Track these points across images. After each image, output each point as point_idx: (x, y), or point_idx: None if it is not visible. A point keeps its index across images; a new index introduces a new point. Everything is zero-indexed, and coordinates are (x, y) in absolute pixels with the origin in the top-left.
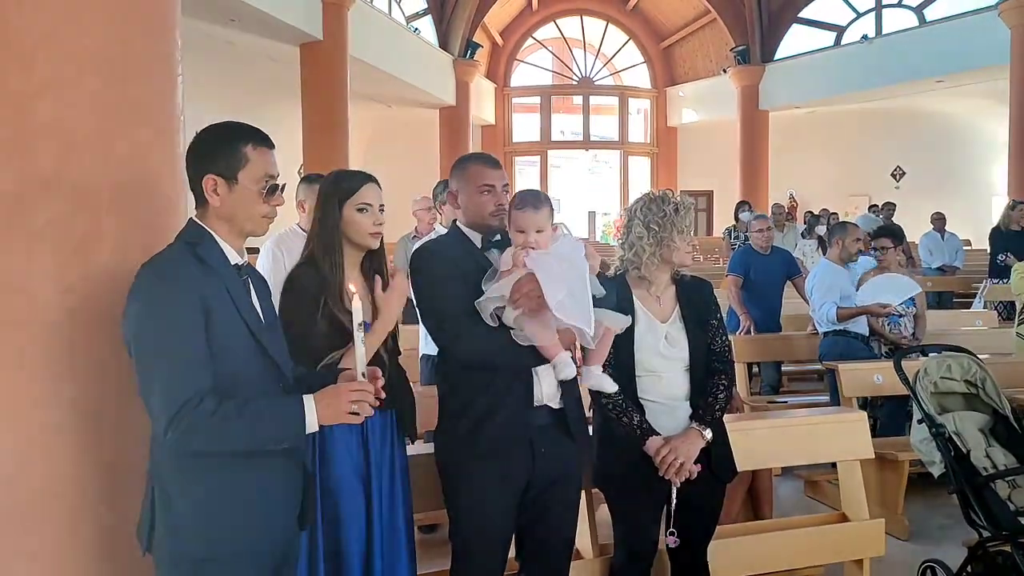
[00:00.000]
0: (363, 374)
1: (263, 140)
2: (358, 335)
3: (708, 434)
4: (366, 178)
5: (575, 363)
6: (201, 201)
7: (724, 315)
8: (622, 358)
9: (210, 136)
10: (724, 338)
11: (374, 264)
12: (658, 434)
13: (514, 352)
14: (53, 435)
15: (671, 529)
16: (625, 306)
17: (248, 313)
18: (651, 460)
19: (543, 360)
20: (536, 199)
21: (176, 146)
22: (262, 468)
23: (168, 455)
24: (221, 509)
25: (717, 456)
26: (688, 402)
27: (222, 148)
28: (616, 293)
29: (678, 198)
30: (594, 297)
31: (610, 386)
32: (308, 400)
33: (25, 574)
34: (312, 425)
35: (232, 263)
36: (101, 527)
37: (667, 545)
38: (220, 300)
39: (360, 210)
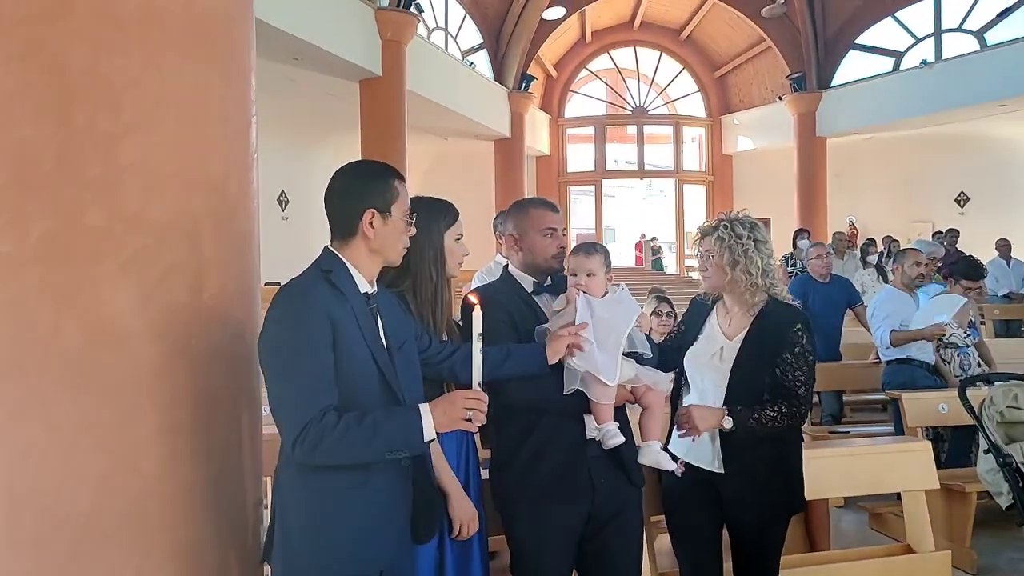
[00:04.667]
0: (479, 383)
1: (402, 176)
2: (477, 345)
3: (728, 423)
4: (455, 208)
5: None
6: (344, 233)
7: None
8: (677, 364)
9: (364, 173)
10: (798, 374)
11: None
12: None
13: (560, 398)
14: (135, 457)
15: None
16: (699, 321)
17: (373, 341)
18: (705, 485)
19: (586, 406)
20: (590, 246)
21: (250, 182)
22: (375, 490)
23: (290, 471)
24: (335, 532)
25: (763, 483)
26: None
27: (378, 184)
28: (699, 315)
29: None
30: (641, 356)
31: (668, 464)
32: (424, 408)
33: None
34: (429, 432)
35: (362, 292)
36: (181, 546)
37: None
38: (348, 325)
39: (457, 240)
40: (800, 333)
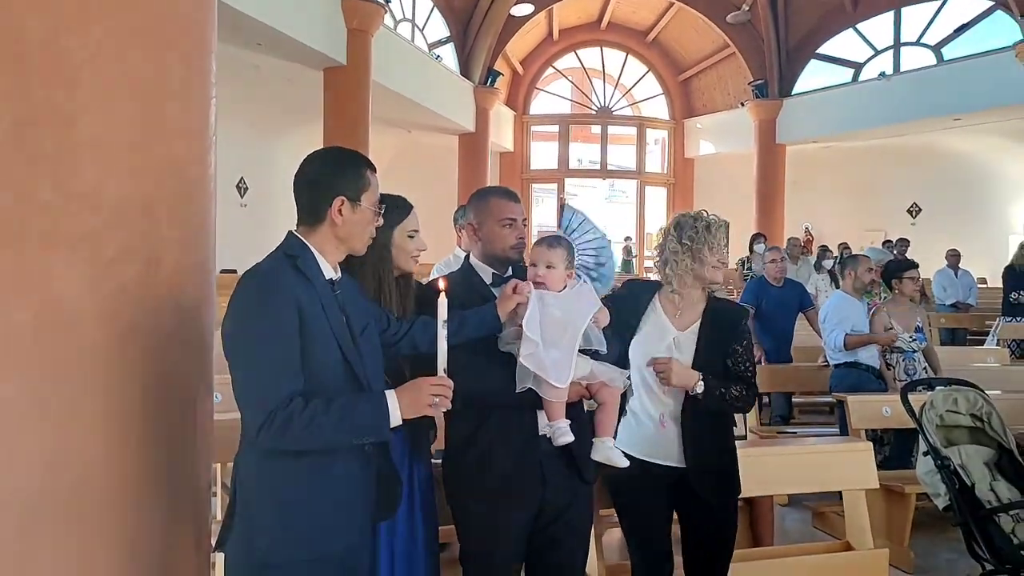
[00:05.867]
0: (444, 370)
1: (374, 167)
2: (441, 332)
3: (700, 387)
4: (409, 204)
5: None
6: (312, 219)
7: None
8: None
9: (336, 160)
10: (748, 364)
11: (403, 286)
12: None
13: (511, 393)
14: (83, 438)
15: None
16: (639, 308)
17: (338, 327)
18: (657, 481)
19: (539, 401)
20: (555, 239)
21: (208, 165)
22: (337, 474)
23: (252, 457)
24: (296, 516)
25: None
26: (676, 424)
27: (350, 172)
28: (635, 295)
29: (711, 217)
30: (596, 352)
31: (621, 460)
32: (391, 394)
33: (51, 570)
34: (396, 418)
35: (327, 278)
36: (128, 528)
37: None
38: (314, 311)
39: (410, 236)
40: (746, 327)
